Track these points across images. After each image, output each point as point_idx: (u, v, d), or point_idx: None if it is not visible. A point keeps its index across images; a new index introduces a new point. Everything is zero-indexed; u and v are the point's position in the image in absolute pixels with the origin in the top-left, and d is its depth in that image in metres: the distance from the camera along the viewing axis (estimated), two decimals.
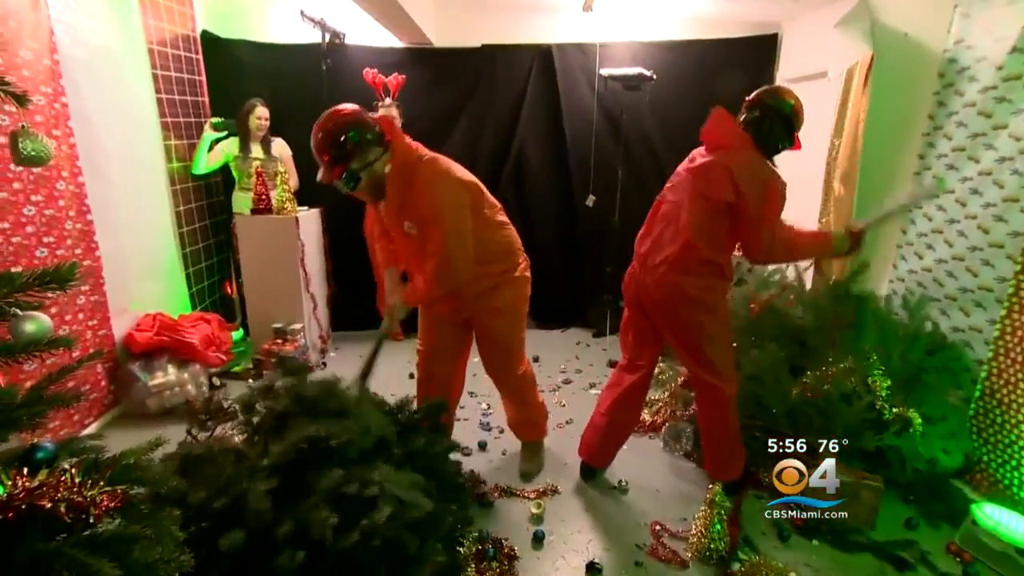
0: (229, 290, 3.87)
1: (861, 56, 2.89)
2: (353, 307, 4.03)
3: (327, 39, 3.88)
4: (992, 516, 2.01)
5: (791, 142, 2.07)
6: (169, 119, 3.37)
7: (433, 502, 1.53)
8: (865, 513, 2.12)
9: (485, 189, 2.11)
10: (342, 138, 1.82)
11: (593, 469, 2.41)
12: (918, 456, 2.22)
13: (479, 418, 2.88)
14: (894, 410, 2.11)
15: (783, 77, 3.85)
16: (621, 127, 3.77)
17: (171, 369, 2.98)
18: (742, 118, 2.06)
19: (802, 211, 3.28)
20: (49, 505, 0.72)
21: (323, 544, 1.33)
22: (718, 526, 1.96)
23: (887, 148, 2.85)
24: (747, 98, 2.08)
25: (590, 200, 3.91)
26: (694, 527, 2.02)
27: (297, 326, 3.37)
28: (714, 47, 3.81)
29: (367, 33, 4.56)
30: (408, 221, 1.94)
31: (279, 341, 3.31)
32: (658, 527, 2.11)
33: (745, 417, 2.35)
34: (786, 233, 2.00)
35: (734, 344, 2.34)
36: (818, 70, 3.44)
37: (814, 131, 3.20)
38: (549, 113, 3.93)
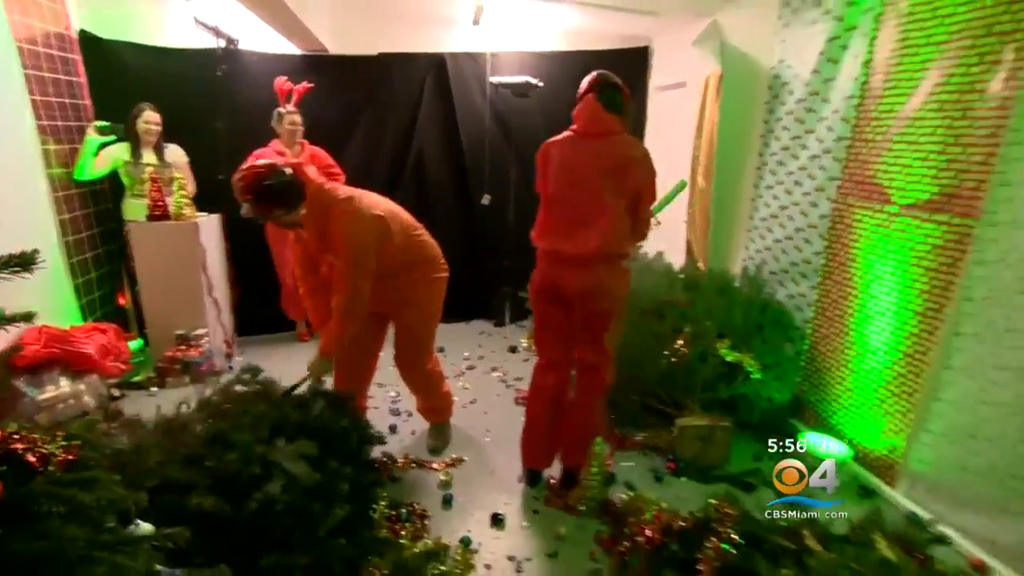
0: (122, 301, 3.75)
1: (713, 70, 3.38)
2: (259, 311, 4.05)
3: (222, 45, 3.87)
4: (812, 441, 2.50)
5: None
6: (47, 122, 3.24)
7: (324, 470, 1.70)
8: (720, 451, 2.55)
9: (402, 212, 2.34)
10: (259, 189, 2.03)
11: (538, 473, 2.44)
12: (760, 399, 2.68)
13: (388, 405, 3.05)
14: (734, 354, 2.54)
15: (654, 85, 4.35)
16: (512, 131, 4.09)
17: (63, 381, 2.88)
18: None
19: (674, 203, 3.75)
20: (22, 449, 0.84)
21: (232, 517, 1.47)
22: (596, 473, 2.24)
23: (736, 147, 3.34)
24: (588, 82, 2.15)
25: (486, 199, 4.19)
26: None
27: (201, 331, 3.36)
28: (595, 57, 4.21)
29: (265, 39, 4.57)
30: (330, 255, 2.13)
31: (183, 347, 3.29)
32: (553, 481, 2.40)
33: (621, 384, 2.69)
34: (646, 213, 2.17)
35: None
36: (682, 80, 3.94)
37: (681, 133, 3.70)
38: (445, 118, 4.16)
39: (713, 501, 1.47)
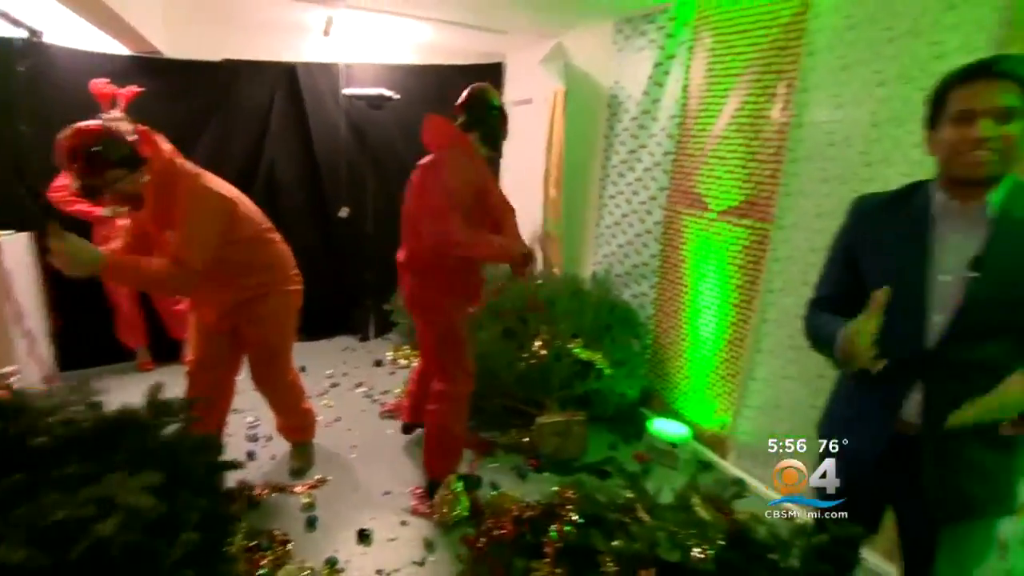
0: None
1: (558, 88, 3.62)
2: (87, 340, 3.59)
3: (23, 37, 3.40)
4: (658, 426, 2.78)
5: (505, 133, 2.30)
6: None
7: (171, 500, 1.58)
8: (578, 444, 2.73)
9: (254, 207, 2.20)
10: (89, 149, 1.78)
11: (413, 425, 2.79)
12: (613, 394, 2.92)
13: (245, 431, 2.87)
14: (587, 352, 2.75)
15: (508, 100, 4.54)
16: (369, 143, 4.06)
17: None
18: (460, 120, 2.19)
19: (529, 212, 3.96)
20: None
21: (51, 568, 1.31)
22: (460, 493, 2.27)
23: (582, 159, 3.61)
24: (457, 103, 2.22)
25: (343, 211, 4.11)
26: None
27: (9, 369, 2.91)
28: (450, 71, 4.31)
29: (90, 36, 4.07)
30: (170, 231, 1.93)
31: None
32: (419, 490, 2.42)
33: (483, 389, 2.78)
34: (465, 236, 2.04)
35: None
36: (529, 97, 4.16)
37: (533, 146, 3.92)
38: (297, 129, 4.01)
39: (556, 488, 1.59)
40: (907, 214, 1.19)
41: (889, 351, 1.16)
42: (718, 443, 2.76)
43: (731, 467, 2.67)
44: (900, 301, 1.13)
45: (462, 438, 2.41)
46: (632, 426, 2.99)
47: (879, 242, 1.23)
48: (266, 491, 2.38)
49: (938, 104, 1.13)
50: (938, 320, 1.13)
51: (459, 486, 2.29)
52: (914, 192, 1.21)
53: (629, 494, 1.60)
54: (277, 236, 2.31)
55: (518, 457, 2.74)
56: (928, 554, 1.21)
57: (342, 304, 4.34)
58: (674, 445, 2.73)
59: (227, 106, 3.83)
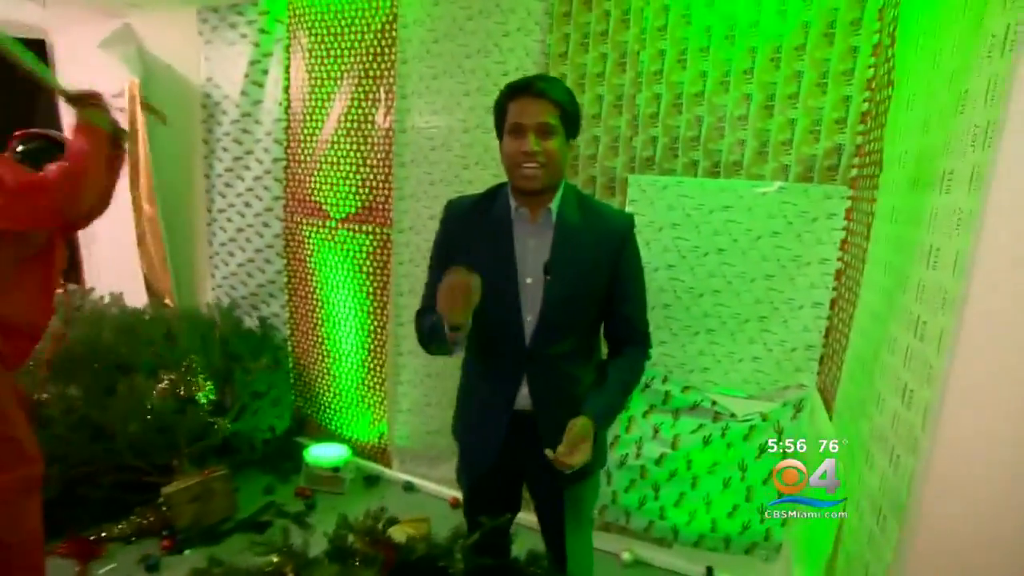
0: None
1: (132, 79, 2.95)
2: None
3: None
4: (315, 453, 2.57)
5: None
6: None
7: None
8: (226, 502, 2.31)
9: None
10: None
11: None
12: (260, 431, 2.57)
13: None
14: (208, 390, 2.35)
15: (65, 88, 3.51)
16: None
17: None
18: (19, 150, 1.74)
19: (121, 236, 3.17)
20: None
21: None
22: None
23: (178, 168, 3.04)
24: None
25: None
26: None
27: None
28: None
29: None
30: None
31: None
32: None
33: (83, 464, 2.13)
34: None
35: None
36: (107, 87, 3.29)
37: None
38: None
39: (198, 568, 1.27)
40: (492, 218, 1.28)
41: (498, 348, 1.28)
42: (380, 453, 2.72)
43: (397, 474, 2.66)
44: (498, 303, 1.22)
45: (37, 552, 1.68)
46: (288, 461, 2.69)
47: (472, 244, 1.29)
48: None
49: (500, 116, 1.24)
50: (530, 319, 1.26)
51: None
52: (496, 195, 1.31)
53: (274, 558, 1.39)
54: None
55: (147, 542, 2.15)
56: (557, 508, 1.38)
57: None
58: (336, 469, 2.56)
59: None
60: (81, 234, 3.49)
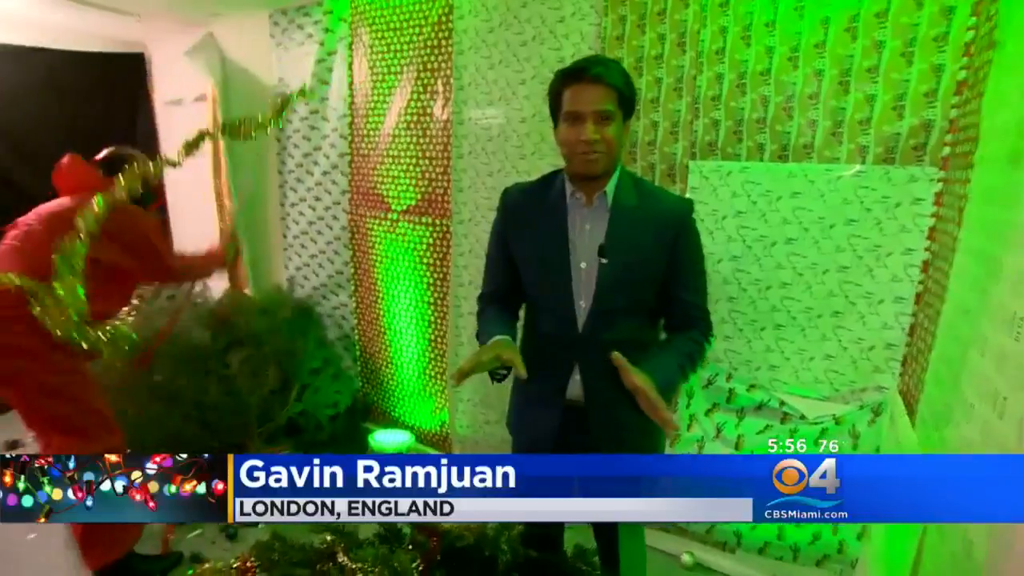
0: None
1: (211, 85, 3.14)
2: None
3: None
4: (379, 438, 2.66)
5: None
6: None
7: None
8: None
9: None
10: None
11: None
12: (323, 408, 2.69)
13: None
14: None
15: (161, 100, 3.80)
16: None
17: None
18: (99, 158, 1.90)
19: (204, 227, 3.40)
20: None
21: None
22: None
23: (253, 164, 3.20)
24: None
25: None
26: None
27: None
28: (67, 59, 3.38)
29: None
30: None
31: None
32: None
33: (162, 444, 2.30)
34: None
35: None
36: (195, 94, 3.53)
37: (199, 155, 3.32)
38: None
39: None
40: (548, 204, 1.27)
41: (551, 336, 1.26)
42: (441, 441, 2.77)
43: None
44: (552, 288, 1.22)
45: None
46: (353, 444, 2.80)
47: (527, 231, 1.28)
48: None
49: (555, 102, 1.21)
50: (583, 305, 1.23)
51: None
52: (553, 181, 1.29)
53: (328, 536, 1.45)
54: None
55: None
56: None
57: None
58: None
59: None
60: (173, 234, 3.76)
